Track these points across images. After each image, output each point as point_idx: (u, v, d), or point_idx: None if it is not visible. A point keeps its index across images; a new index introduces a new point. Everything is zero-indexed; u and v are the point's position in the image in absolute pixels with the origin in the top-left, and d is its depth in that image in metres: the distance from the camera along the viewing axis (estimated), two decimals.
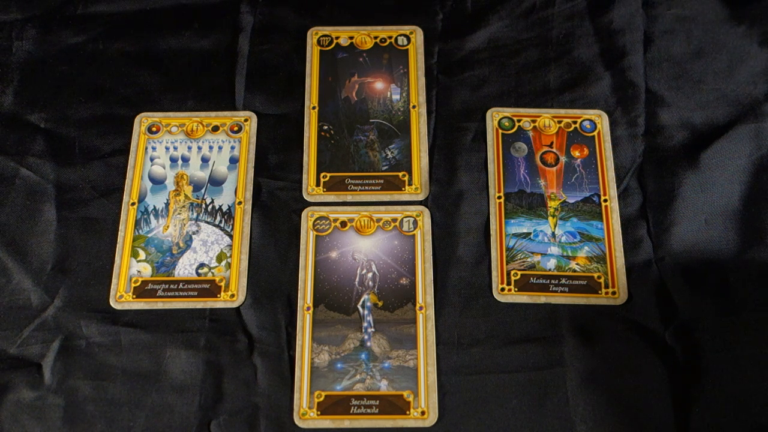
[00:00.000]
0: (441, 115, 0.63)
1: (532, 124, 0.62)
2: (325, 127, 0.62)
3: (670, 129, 0.61)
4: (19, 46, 0.65)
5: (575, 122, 0.62)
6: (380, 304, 0.55)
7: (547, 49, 0.65)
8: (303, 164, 0.60)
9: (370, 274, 0.56)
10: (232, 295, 0.56)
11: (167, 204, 0.59)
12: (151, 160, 0.61)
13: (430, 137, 0.62)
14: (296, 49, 0.65)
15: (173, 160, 0.61)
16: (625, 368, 0.53)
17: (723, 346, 0.53)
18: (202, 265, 0.57)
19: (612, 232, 0.58)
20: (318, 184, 0.60)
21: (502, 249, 0.57)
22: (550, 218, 0.58)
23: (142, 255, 0.57)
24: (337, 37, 0.66)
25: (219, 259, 0.57)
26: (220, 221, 0.58)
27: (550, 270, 0.56)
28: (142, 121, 0.62)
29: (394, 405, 0.52)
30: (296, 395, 0.53)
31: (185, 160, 0.61)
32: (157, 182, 0.60)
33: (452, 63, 0.65)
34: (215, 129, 0.62)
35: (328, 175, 0.60)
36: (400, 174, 0.60)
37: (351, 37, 0.66)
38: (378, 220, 0.58)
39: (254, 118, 0.62)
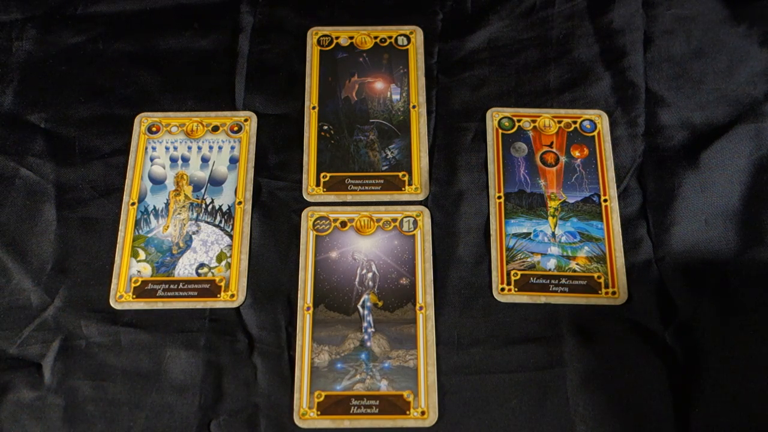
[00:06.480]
0: (441, 115, 0.63)
1: (532, 124, 0.62)
2: (325, 127, 0.62)
3: (670, 129, 0.61)
4: (19, 46, 0.65)
5: (575, 122, 0.62)
6: (380, 304, 0.55)
7: (547, 49, 0.65)
8: (303, 164, 0.60)
9: (370, 274, 0.56)
10: (232, 295, 0.56)
11: (167, 204, 0.59)
12: (151, 160, 0.61)
13: (430, 137, 0.62)
14: (296, 49, 0.65)
15: (173, 160, 0.61)
16: (625, 368, 0.53)
17: (723, 346, 0.53)
18: (202, 265, 0.57)
19: (612, 232, 0.58)
20: (318, 184, 0.60)
21: (502, 249, 0.57)
22: (550, 218, 0.58)
23: (142, 255, 0.57)
24: (337, 37, 0.66)
25: (219, 259, 0.57)
26: (220, 221, 0.58)
27: (550, 270, 0.56)
28: (142, 121, 0.62)
29: (394, 405, 0.52)
30: (296, 395, 0.53)
31: (185, 160, 0.61)
32: (157, 182, 0.60)
33: (452, 63, 0.64)
34: (215, 129, 0.62)
35: (328, 175, 0.60)
36: (400, 174, 0.60)
37: (351, 37, 0.66)
38: (378, 220, 0.58)
39: (254, 118, 0.62)
